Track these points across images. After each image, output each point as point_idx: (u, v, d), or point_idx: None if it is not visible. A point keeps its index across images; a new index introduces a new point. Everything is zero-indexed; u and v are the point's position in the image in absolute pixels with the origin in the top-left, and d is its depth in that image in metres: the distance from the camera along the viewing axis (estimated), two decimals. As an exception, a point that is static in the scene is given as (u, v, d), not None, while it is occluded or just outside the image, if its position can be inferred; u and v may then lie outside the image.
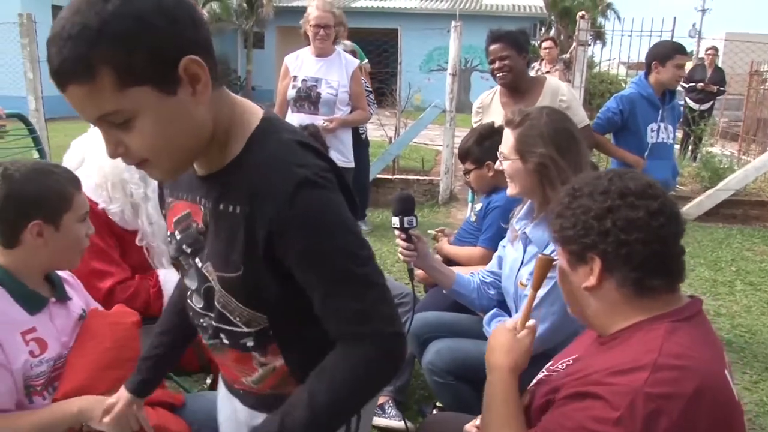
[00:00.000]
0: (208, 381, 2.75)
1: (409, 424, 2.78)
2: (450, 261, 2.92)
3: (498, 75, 3.48)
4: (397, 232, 2.21)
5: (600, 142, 4.12)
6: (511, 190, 2.23)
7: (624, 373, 1.19)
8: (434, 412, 2.84)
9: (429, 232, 3.17)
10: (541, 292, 2.10)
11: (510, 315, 2.29)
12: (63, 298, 1.85)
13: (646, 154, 4.06)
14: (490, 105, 3.65)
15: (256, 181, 1.12)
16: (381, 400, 2.88)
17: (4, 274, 1.72)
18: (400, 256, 2.23)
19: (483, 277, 2.47)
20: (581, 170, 1.99)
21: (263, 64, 21.23)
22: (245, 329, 1.25)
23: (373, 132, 9.26)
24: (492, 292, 2.43)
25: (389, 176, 7.92)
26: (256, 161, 1.14)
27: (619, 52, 8.27)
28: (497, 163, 2.27)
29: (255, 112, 1.20)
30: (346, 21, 4.54)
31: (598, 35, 21.11)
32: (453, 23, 7.42)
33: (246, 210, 1.12)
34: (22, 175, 1.69)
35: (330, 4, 4.28)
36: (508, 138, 2.18)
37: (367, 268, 1.15)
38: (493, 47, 3.45)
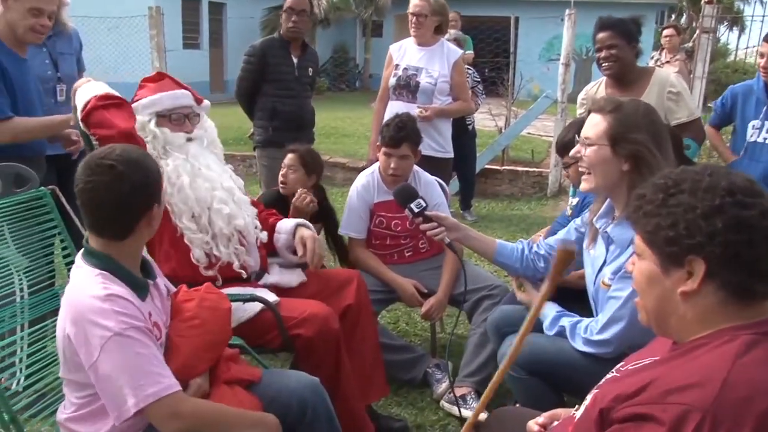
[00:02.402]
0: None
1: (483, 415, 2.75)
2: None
3: (604, 65, 3.33)
4: (417, 221, 2.36)
5: (708, 134, 3.94)
6: (589, 183, 2.11)
7: (690, 388, 1.12)
8: (517, 406, 2.80)
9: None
10: (625, 293, 2.02)
11: (592, 313, 2.23)
12: (154, 278, 1.92)
13: (742, 152, 3.81)
14: (596, 96, 3.52)
15: None
16: (463, 391, 2.89)
17: (116, 265, 1.75)
18: (434, 237, 2.35)
19: (537, 248, 2.41)
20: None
21: (381, 53, 21.28)
22: None
23: (486, 122, 9.19)
24: (542, 264, 2.38)
25: (498, 167, 7.82)
26: None
27: (754, 38, 7.74)
28: (574, 150, 2.16)
29: None
30: (447, 11, 4.48)
31: (735, 21, 19.85)
32: (567, 11, 7.22)
33: None
34: (128, 167, 1.70)
35: (430, -8, 4.26)
36: (598, 123, 2.05)
37: None
38: (600, 35, 3.29)
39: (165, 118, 2.51)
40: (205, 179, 2.44)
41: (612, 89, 3.43)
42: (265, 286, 2.60)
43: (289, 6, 4.29)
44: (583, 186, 2.14)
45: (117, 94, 2.42)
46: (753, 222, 1.17)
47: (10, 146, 2.68)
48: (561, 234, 2.43)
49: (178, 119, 2.53)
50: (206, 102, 2.72)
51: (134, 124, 2.37)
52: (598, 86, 3.55)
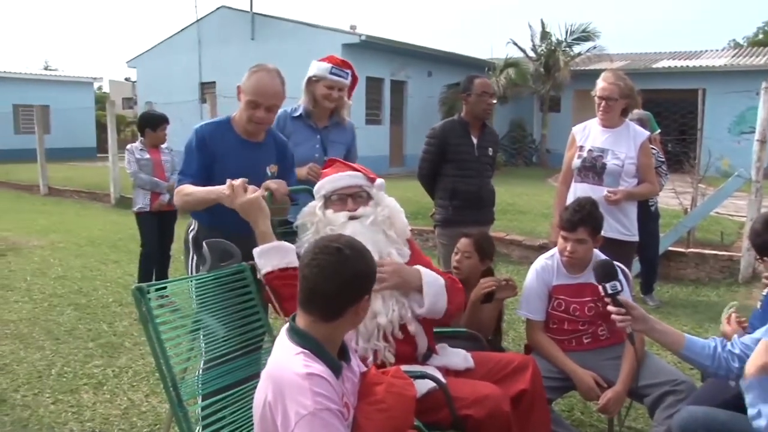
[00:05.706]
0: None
1: None
2: None
3: None
4: (607, 301, 2.34)
5: None
6: None
7: None
8: None
9: (732, 302, 2.90)
10: None
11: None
12: (349, 360, 2.01)
13: None
14: None
15: None
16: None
17: (318, 345, 1.85)
18: (617, 324, 2.33)
19: (731, 346, 2.26)
20: None
21: (559, 128, 21.21)
22: None
23: (669, 201, 8.77)
24: (736, 365, 2.24)
25: (683, 249, 7.41)
26: None
27: None
28: None
29: None
30: (635, 93, 4.41)
31: None
32: (763, 83, 6.81)
33: None
34: (354, 253, 1.85)
35: (619, 76, 4.21)
36: None
37: None
38: None
39: (330, 200, 2.71)
40: None
41: None
42: (432, 365, 2.64)
43: (484, 90, 4.44)
44: None
45: (295, 264, 2.51)
46: None
47: (219, 223, 2.95)
48: (759, 333, 2.28)
49: (339, 200, 2.70)
50: (379, 181, 2.82)
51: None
52: None
